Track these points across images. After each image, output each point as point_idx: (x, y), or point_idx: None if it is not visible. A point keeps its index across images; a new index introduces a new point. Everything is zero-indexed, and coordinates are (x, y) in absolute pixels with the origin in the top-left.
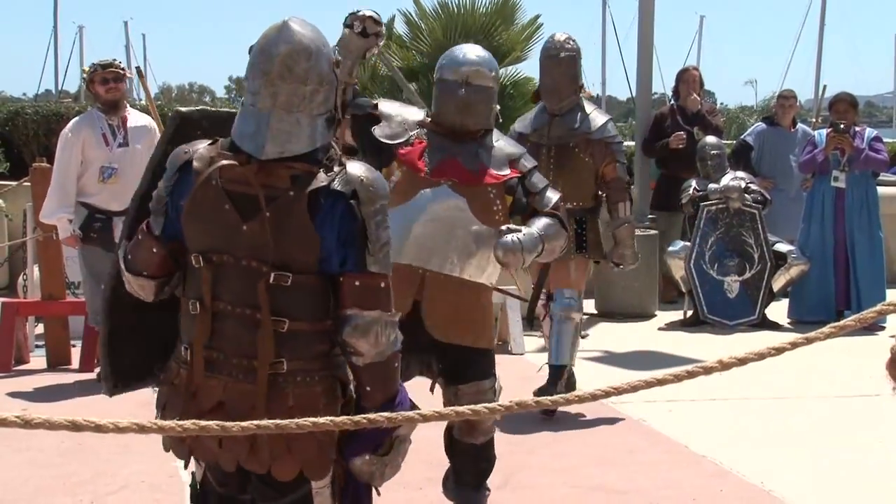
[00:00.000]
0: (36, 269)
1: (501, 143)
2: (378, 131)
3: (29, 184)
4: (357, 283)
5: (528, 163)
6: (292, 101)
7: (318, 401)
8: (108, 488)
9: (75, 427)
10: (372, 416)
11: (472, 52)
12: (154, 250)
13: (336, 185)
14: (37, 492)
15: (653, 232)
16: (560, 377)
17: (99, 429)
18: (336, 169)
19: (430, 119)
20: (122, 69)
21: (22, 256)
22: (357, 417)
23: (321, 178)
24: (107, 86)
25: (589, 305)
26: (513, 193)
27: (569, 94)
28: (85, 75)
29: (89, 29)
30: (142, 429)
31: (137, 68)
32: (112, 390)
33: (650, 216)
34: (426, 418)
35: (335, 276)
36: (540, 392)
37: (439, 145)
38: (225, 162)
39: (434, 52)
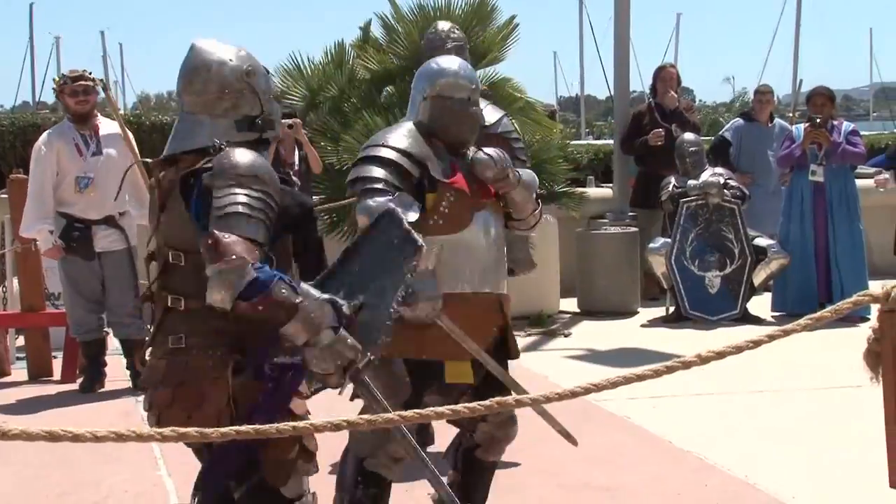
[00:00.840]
0: (15, 281)
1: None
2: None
3: (6, 196)
4: (202, 249)
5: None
6: (195, 108)
7: (210, 374)
8: (93, 498)
9: (52, 437)
10: (352, 419)
11: (463, 66)
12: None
13: (205, 165)
14: (22, 502)
15: (633, 229)
16: None
17: (77, 438)
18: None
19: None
20: (92, 80)
21: (1, 268)
22: (337, 421)
23: (200, 164)
24: (76, 98)
25: (571, 303)
26: None
27: None
28: (55, 86)
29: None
30: (119, 437)
31: (101, 81)
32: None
33: (630, 213)
34: (405, 419)
35: None
36: None
37: (451, 162)
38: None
39: (411, 55)
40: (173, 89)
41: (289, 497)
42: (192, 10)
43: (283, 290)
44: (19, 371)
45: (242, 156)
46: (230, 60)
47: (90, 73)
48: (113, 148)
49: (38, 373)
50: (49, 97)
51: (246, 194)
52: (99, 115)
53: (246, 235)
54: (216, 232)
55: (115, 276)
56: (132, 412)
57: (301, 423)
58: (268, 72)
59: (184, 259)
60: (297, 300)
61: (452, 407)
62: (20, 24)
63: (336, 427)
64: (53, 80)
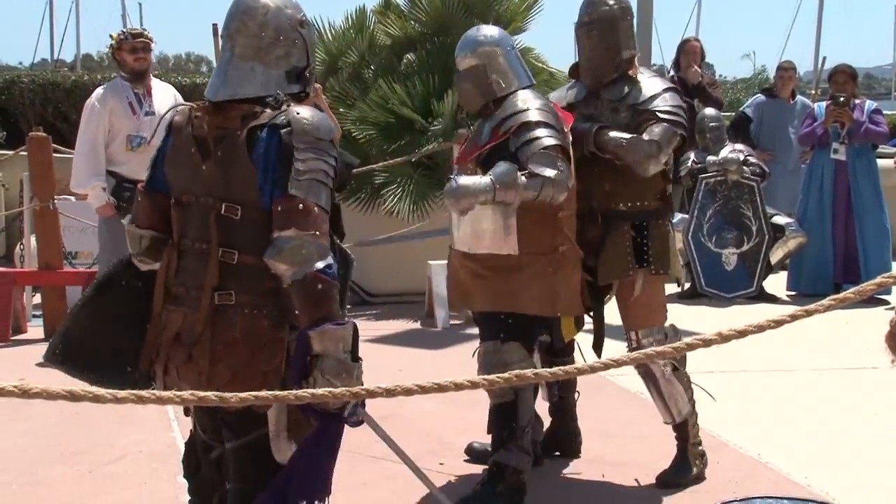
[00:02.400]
0: (33, 239)
1: (511, 108)
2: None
3: (25, 153)
4: (279, 209)
5: (516, 121)
6: (247, 52)
7: (264, 334)
8: (107, 458)
9: (73, 397)
10: (371, 387)
11: (464, 37)
12: (140, 199)
13: (275, 120)
14: (35, 461)
15: None
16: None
17: (97, 399)
18: (283, 109)
19: None
20: (150, 38)
21: (19, 226)
22: (355, 389)
23: (264, 117)
24: (136, 55)
25: None
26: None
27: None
28: (113, 42)
29: None
30: (140, 399)
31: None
32: (50, 357)
33: None
34: (425, 390)
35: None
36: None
37: (475, 131)
38: (181, 106)
39: (432, 22)
40: (192, 51)
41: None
42: None
43: (337, 294)
44: (35, 329)
45: (318, 118)
46: (286, 7)
47: (147, 32)
48: (165, 108)
49: (55, 331)
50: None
51: (326, 161)
52: (151, 75)
53: (321, 204)
54: (306, 198)
55: None
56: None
57: (318, 391)
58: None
59: (240, 212)
60: (341, 313)
61: (471, 378)
62: None
63: (354, 396)
64: (111, 36)
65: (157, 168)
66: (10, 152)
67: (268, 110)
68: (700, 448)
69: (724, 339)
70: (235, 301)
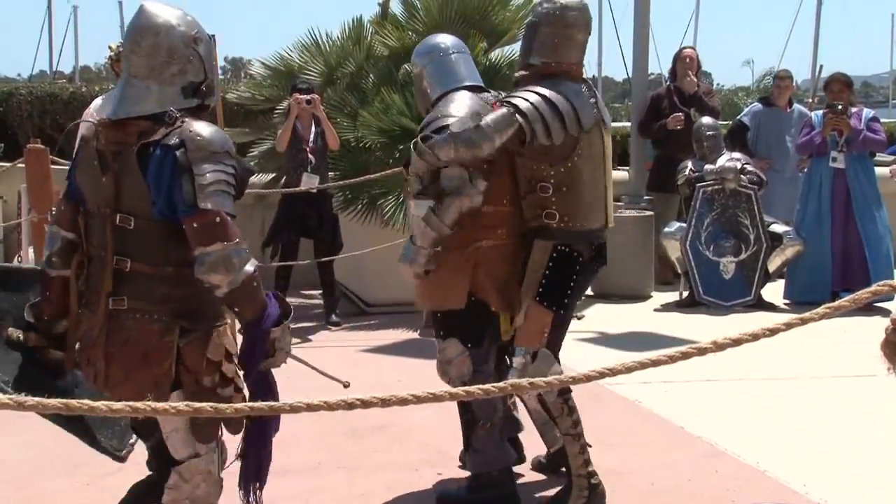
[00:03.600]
0: (31, 251)
1: (434, 110)
2: None
3: (23, 165)
4: (195, 225)
5: (427, 124)
6: (141, 71)
7: (154, 338)
8: (104, 470)
9: (69, 409)
10: (367, 397)
11: (420, 44)
12: (62, 207)
13: (168, 139)
14: (34, 474)
15: (648, 213)
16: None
17: (92, 410)
18: (177, 126)
19: None
20: None
21: (17, 238)
22: (350, 399)
23: (158, 134)
24: None
25: None
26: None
27: None
28: (112, 53)
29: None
30: (135, 410)
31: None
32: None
33: (646, 197)
34: (420, 399)
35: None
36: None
37: None
38: (85, 122)
39: (429, 32)
40: None
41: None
42: None
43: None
44: None
45: (211, 132)
46: (178, 25)
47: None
48: None
49: None
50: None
51: (225, 171)
52: None
53: (231, 212)
54: (219, 210)
55: None
56: None
57: (314, 401)
58: (211, 37)
59: (133, 223)
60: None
61: (466, 388)
62: None
63: (349, 406)
64: (109, 47)
65: (71, 178)
66: (8, 164)
67: (163, 128)
68: (592, 480)
69: (718, 347)
70: (127, 306)
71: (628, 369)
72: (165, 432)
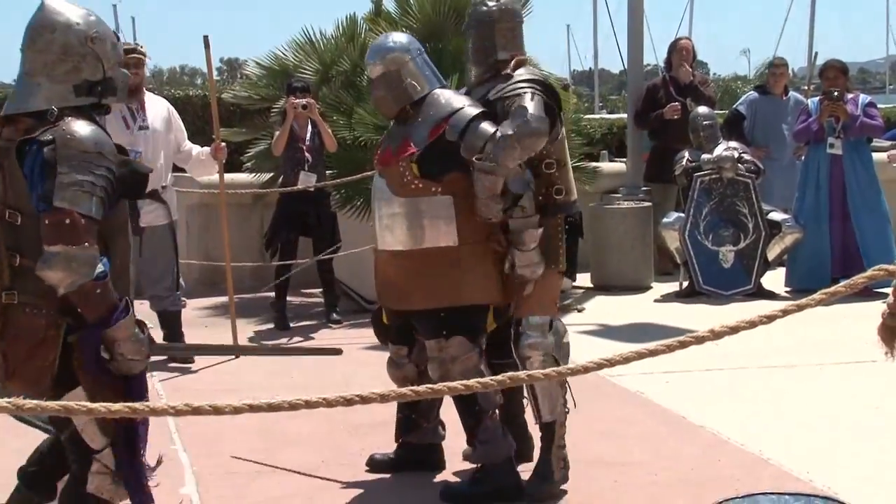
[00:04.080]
0: None
1: (440, 106)
2: None
3: None
4: (47, 222)
5: (460, 119)
6: (35, 68)
7: (40, 332)
8: None
9: (67, 411)
10: (366, 393)
11: (371, 45)
12: None
13: (43, 136)
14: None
15: (647, 204)
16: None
17: (91, 412)
18: (56, 124)
19: None
20: (143, 53)
21: None
22: (349, 395)
23: (38, 131)
24: (128, 70)
25: (584, 279)
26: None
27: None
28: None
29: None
30: (133, 411)
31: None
32: None
33: (644, 188)
34: (419, 394)
35: None
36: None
37: (389, 134)
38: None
39: (424, 28)
40: (186, 63)
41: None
42: None
43: (112, 292)
44: None
45: (86, 131)
46: (77, 24)
47: (141, 47)
48: (159, 122)
49: None
50: None
51: (93, 172)
52: (145, 89)
53: (89, 214)
54: (72, 210)
55: (157, 251)
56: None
57: (313, 398)
58: (118, 39)
59: (20, 219)
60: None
61: (465, 382)
62: None
63: (347, 402)
64: None
65: None
66: None
67: (44, 125)
68: (564, 451)
69: (716, 336)
70: (18, 300)
71: (626, 360)
72: (79, 425)
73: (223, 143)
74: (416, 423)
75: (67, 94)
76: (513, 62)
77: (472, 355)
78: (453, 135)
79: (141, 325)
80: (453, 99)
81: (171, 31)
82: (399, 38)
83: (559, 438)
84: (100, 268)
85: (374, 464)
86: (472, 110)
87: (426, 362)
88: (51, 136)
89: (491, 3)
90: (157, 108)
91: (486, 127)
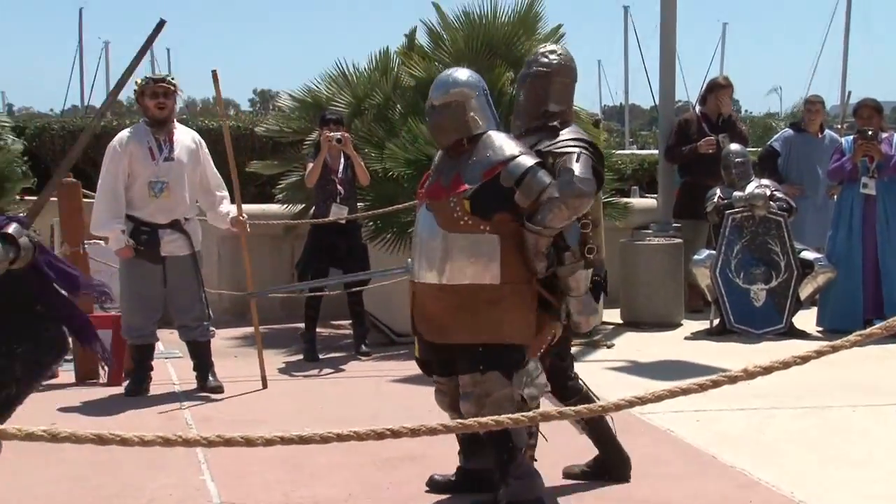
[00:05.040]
0: None
1: (497, 148)
2: None
3: (55, 199)
4: None
5: (517, 166)
6: None
7: None
8: (136, 502)
9: (101, 441)
10: (396, 427)
11: (440, 77)
12: None
13: None
14: None
15: (677, 240)
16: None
17: (124, 442)
18: None
19: None
20: (174, 85)
21: None
22: (380, 429)
23: None
24: (157, 100)
25: (614, 314)
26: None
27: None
28: (136, 87)
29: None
30: (167, 442)
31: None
32: None
33: (674, 224)
34: (450, 429)
35: None
36: None
37: (438, 167)
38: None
39: (456, 63)
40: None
41: None
42: (237, 16)
43: None
44: (66, 373)
45: None
46: None
47: (172, 78)
48: (185, 154)
49: (86, 375)
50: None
51: None
52: (175, 121)
53: None
54: None
55: (180, 281)
56: (177, 416)
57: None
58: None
59: None
60: None
61: (496, 417)
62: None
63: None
64: (136, 82)
65: None
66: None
67: None
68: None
69: (749, 375)
70: None
71: (658, 398)
72: None
73: (245, 217)
74: (475, 447)
75: None
76: (562, 117)
77: (507, 392)
78: (509, 180)
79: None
80: (509, 144)
81: (205, 62)
82: (469, 73)
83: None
84: None
85: (433, 485)
86: (529, 160)
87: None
88: None
89: (552, 56)
90: (184, 140)
91: (542, 177)
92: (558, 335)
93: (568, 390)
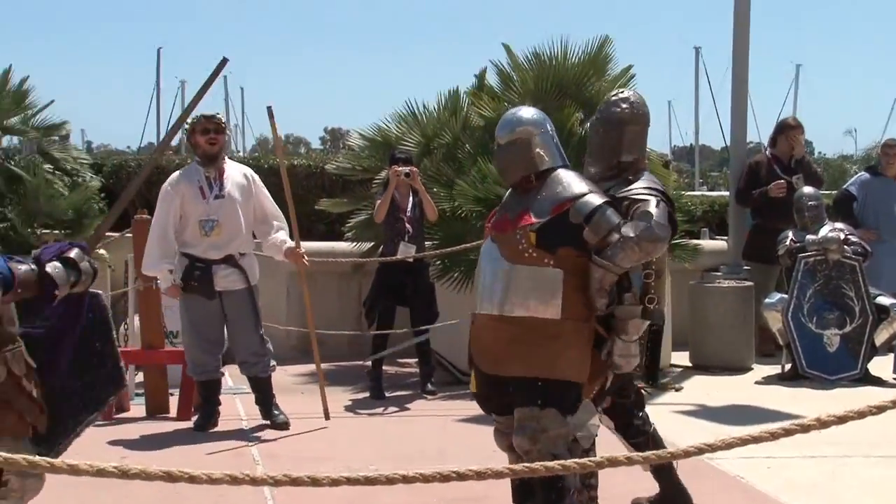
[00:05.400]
0: (136, 319)
1: (566, 185)
2: None
3: (130, 235)
4: None
5: (586, 203)
6: None
7: None
8: None
9: (170, 478)
10: (462, 469)
11: (505, 116)
12: None
13: None
14: None
15: (748, 283)
16: None
17: (193, 480)
18: None
19: None
20: (224, 123)
21: (123, 306)
22: (446, 472)
23: None
24: (207, 136)
25: (682, 357)
26: (557, 232)
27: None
28: (187, 125)
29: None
30: (234, 480)
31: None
32: None
33: (745, 267)
34: (516, 473)
35: None
36: None
37: (505, 203)
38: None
39: (525, 103)
40: (291, 132)
41: None
42: (310, 57)
43: (19, 268)
44: (138, 407)
45: None
46: None
47: (220, 115)
48: (236, 190)
49: (156, 409)
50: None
51: None
52: (226, 158)
53: None
54: None
55: (237, 316)
56: (244, 452)
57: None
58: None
59: None
60: (32, 268)
61: (561, 462)
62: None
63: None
64: (187, 121)
65: None
66: (117, 234)
67: None
68: None
69: (822, 424)
70: None
71: (728, 445)
72: None
73: (303, 253)
74: (526, 489)
75: None
76: (636, 167)
77: (563, 431)
78: (578, 217)
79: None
80: (578, 181)
81: (277, 100)
82: (533, 111)
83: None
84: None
85: None
86: (598, 198)
87: None
88: None
89: (623, 106)
90: (235, 176)
91: (611, 216)
92: (610, 379)
93: (633, 429)
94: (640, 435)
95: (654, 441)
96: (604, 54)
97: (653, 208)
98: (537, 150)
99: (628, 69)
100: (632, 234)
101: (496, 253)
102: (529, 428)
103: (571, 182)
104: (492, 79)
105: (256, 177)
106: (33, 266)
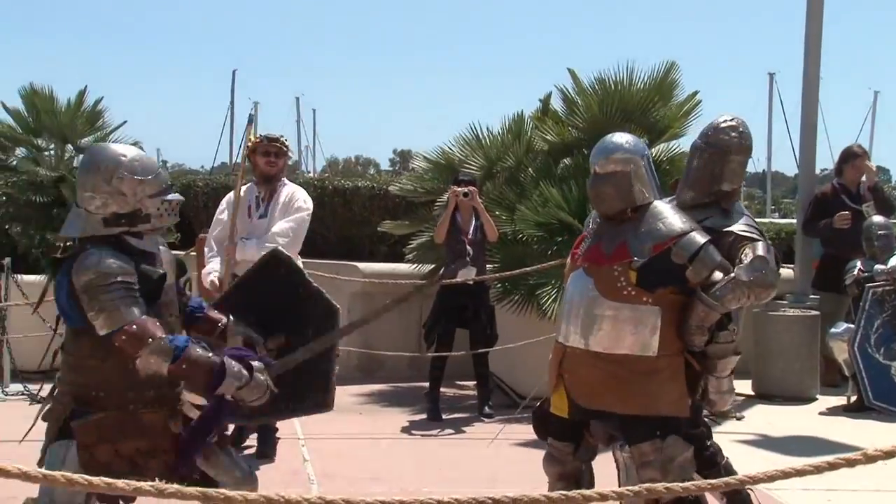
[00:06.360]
0: None
1: (666, 221)
2: None
3: (195, 253)
4: (117, 343)
5: (690, 243)
6: (79, 200)
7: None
8: None
9: (206, 498)
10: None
11: (604, 142)
12: None
13: (68, 262)
14: None
15: (814, 313)
16: None
17: (229, 500)
18: (80, 251)
19: None
20: (286, 146)
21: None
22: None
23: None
24: (267, 158)
25: (745, 386)
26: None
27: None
28: (249, 145)
29: (264, 105)
30: (269, 501)
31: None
32: None
33: (812, 296)
34: (570, 500)
35: None
36: None
37: (598, 231)
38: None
39: (589, 128)
40: (361, 154)
41: None
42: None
43: (198, 350)
44: None
45: (91, 261)
46: (105, 166)
47: (285, 139)
48: (279, 211)
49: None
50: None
51: (105, 292)
52: (286, 180)
53: (133, 320)
54: (121, 326)
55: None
56: (300, 471)
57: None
58: (160, 171)
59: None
60: (212, 358)
61: (615, 490)
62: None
63: None
64: (250, 139)
65: None
66: (182, 253)
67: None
68: None
69: (868, 459)
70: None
71: (786, 475)
72: None
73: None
74: None
75: (97, 225)
76: (733, 197)
77: (689, 454)
78: (682, 257)
79: (248, 367)
80: (678, 218)
81: (349, 123)
82: (632, 139)
83: None
84: (169, 356)
85: None
86: (701, 237)
87: (591, 459)
88: (71, 264)
89: (732, 134)
90: (282, 198)
91: (714, 255)
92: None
93: (704, 460)
94: (710, 466)
95: (728, 473)
96: (670, 80)
97: (766, 252)
98: (637, 185)
99: (694, 95)
100: (745, 279)
101: (591, 286)
102: (657, 461)
103: (670, 217)
104: (556, 103)
105: (299, 198)
106: (212, 354)
